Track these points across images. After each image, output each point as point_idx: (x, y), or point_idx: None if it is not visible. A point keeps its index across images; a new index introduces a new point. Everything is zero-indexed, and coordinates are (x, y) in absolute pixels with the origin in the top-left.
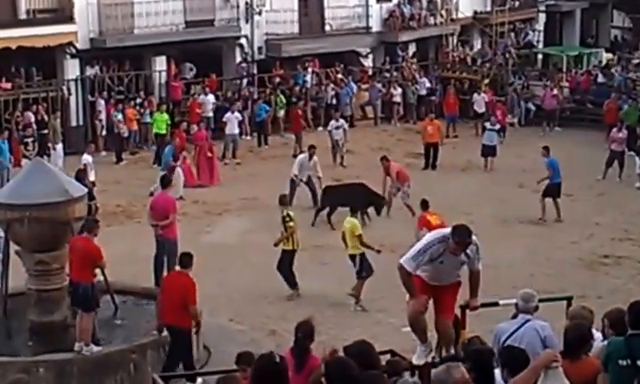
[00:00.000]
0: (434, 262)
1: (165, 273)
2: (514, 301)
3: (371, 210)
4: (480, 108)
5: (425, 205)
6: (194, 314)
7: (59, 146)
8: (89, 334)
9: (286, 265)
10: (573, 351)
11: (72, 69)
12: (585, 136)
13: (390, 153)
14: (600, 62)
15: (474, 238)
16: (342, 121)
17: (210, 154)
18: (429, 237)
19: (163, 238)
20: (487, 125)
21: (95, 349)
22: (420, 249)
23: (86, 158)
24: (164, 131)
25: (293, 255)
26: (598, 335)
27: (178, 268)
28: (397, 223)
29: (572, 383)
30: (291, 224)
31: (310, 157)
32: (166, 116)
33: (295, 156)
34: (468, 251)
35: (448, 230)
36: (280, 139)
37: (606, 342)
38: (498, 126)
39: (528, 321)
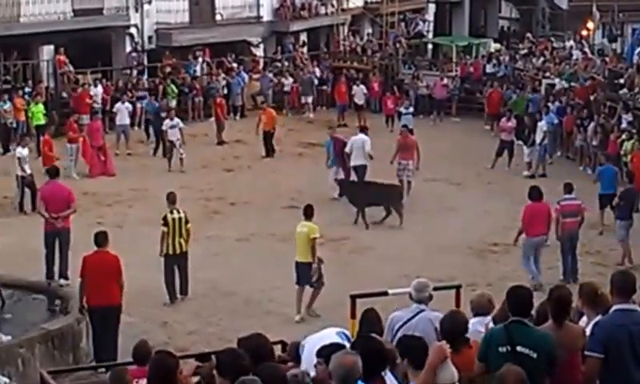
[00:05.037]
0: None
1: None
2: (405, 290)
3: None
4: (359, 100)
5: None
6: (122, 286)
7: None
8: None
9: (186, 267)
10: (450, 341)
11: None
12: (474, 125)
13: (281, 143)
14: (488, 51)
15: None
16: (176, 120)
17: (102, 158)
18: None
19: (64, 228)
20: (402, 109)
21: (4, 338)
22: None
23: (20, 151)
24: (42, 122)
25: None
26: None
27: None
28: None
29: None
30: (189, 226)
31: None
32: (41, 106)
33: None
34: None
35: None
36: None
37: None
38: (412, 109)
39: (422, 311)
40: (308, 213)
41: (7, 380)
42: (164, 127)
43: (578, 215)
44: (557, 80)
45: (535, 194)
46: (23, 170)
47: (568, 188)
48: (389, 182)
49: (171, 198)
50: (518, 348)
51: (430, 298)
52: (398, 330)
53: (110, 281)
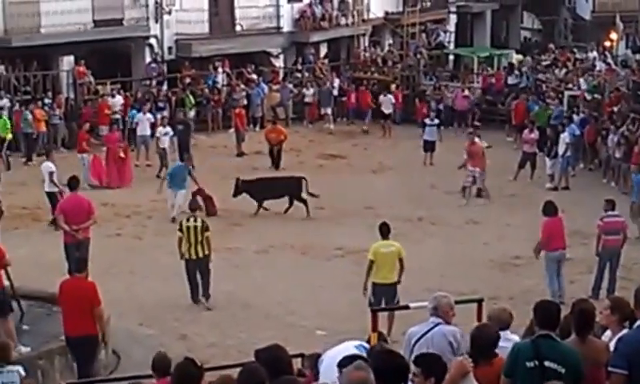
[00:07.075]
0: None
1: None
2: (426, 304)
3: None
4: (387, 109)
5: None
6: (100, 315)
7: None
8: (13, 335)
9: (207, 271)
10: (480, 354)
11: None
12: (496, 136)
13: (301, 154)
14: (509, 62)
15: None
16: (168, 128)
17: (122, 155)
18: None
19: (85, 238)
20: (427, 121)
21: (24, 350)
22: None
23: (49, 165)
24: (6, 136)
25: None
26: (514, 337)
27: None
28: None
29: None
30: (208, 234)
31: None
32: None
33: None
34: None
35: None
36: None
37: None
38: (437, 121)
39: (438, 324)
40: (384, 231)
41: (29, 348)
42: (157, 135)
43: (620, 233)
44: (582, 81)
45: (550, 209)
46: (55, 184)
47: (610, 205)
48: (289, 175)
49: (192, 207)
50: (546, 363)
51: None
52: (414, 344)
53: (87, 309)
